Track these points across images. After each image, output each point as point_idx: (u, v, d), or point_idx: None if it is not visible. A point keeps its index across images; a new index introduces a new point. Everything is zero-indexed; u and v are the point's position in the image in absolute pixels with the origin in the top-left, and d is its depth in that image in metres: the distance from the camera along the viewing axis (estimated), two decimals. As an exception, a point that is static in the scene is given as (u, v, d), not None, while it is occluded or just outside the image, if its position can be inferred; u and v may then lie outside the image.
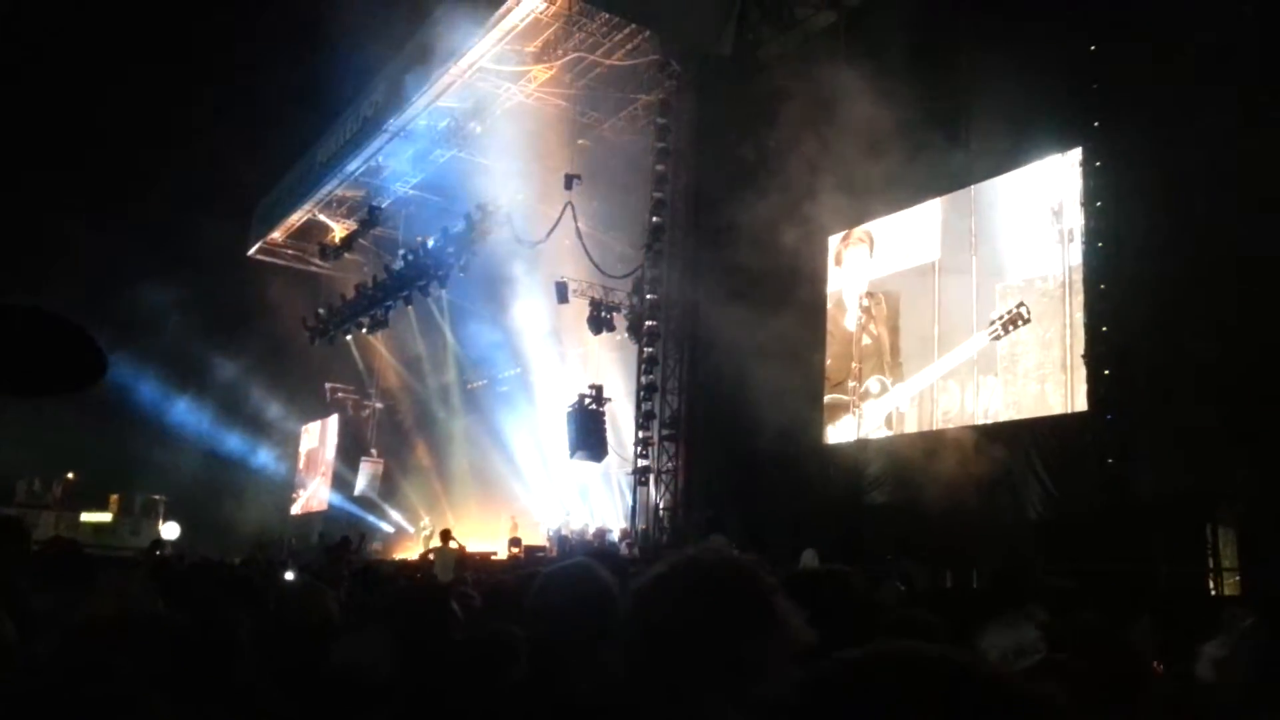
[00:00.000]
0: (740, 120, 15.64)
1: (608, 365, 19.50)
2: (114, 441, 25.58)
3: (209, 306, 25.91)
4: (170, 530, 25.17)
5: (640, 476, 16.79)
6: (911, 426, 13.07)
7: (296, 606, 3.82)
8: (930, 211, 13.32)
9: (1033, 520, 11.18)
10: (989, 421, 11.91)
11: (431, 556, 15.20)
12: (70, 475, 28.06)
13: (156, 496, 29.13)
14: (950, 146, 12.96)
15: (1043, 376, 11.36)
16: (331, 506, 27.06)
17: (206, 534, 24.03)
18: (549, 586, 2.52)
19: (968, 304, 12.37)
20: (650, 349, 17.12)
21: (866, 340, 14.01)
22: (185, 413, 27.01)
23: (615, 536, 17.86)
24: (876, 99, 12.72)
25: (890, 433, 13.41)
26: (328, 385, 28.62)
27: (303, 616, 3.65)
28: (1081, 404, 10.85)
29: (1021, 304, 11.61)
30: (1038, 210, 11.74)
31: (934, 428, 12.65)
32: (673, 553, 1.46)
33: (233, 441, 27.99)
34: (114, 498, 29.41)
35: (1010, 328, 11.67)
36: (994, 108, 12.42)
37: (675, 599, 1.36)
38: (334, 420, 28.72)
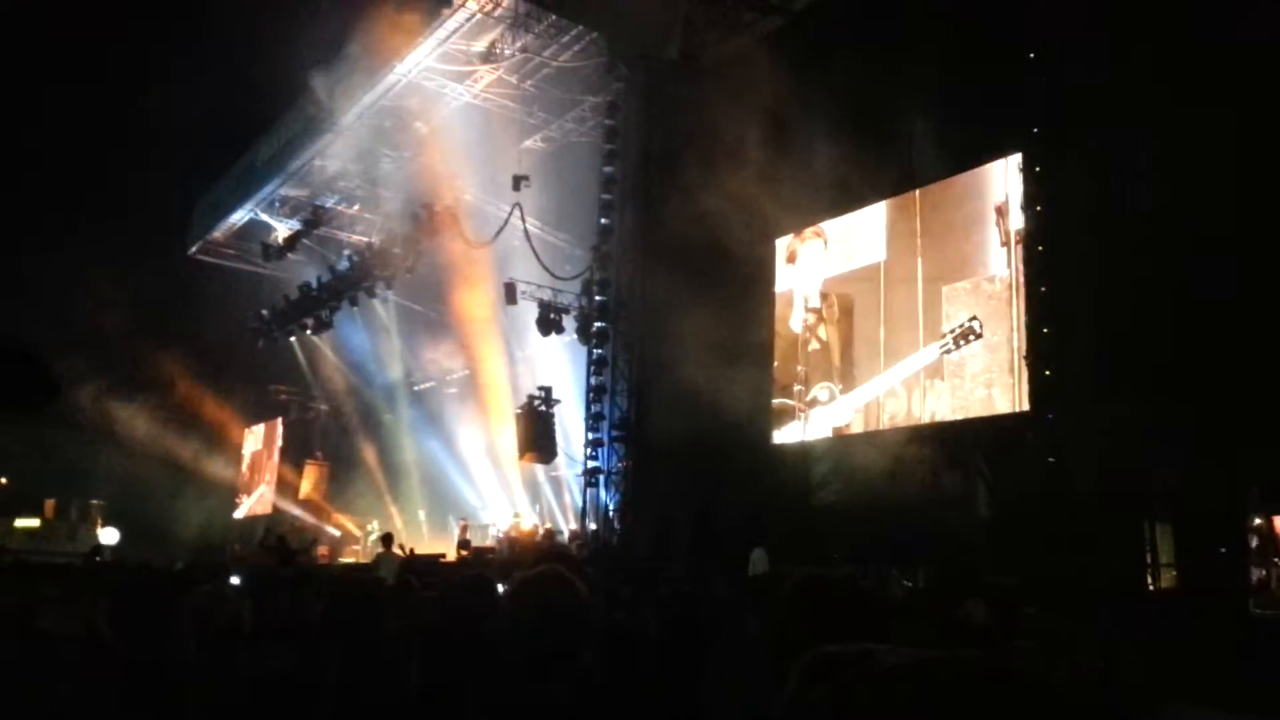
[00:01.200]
0: (688, 123, 15.70)
1: (557, 367, 19.44)
2: (48, 445, 24.86)
3: (148, 307, 25.25)
4: (109, 535, 24.54)
5: (590, 477, 16.77)
6: (858, 428, 13.23)
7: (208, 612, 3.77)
8: (875, 214, 13.49)
9: (979, 518, 11.39)
10: (935, 423, 12.10)
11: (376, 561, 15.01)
12: (1, 480, 27.24)
13: (94, 501, 28.38)
14: (894, 149, 13.16)
15: (990, 381, 11.56)
16: (277, 510, 26.58)
17: (147, 539, 23.43)
18: (523, 593, 2.50)
19: (914, 306, 12.55)
20: (599, 350, 17.10)
21: (814, 345, 14.13)
22: (123, 415, 26.32)
23: (565, 538, 17.82)
24: (822, 102, 12.88)
25: (840, 431, 13.56)
26: (271, 387, 28.11)
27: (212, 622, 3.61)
28: (1026, 405, 11.07)
29: (974, 318, 11.77)
30: (982, 212, 11.96)
31: (880, 429, 12.82)
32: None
33: (173, 444, 27.35)
34: (49, 503, 28.59)
35: (962, 342, 11.83)
36: (937, 111, 12.64)
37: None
38: (278, 423, 28.23)
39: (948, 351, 11.98)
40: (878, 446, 12.37)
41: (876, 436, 12.73)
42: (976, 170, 12.18)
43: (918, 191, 12.97)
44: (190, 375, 26.75)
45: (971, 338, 11.76)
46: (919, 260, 12.68)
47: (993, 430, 11.56)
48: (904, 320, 12.68)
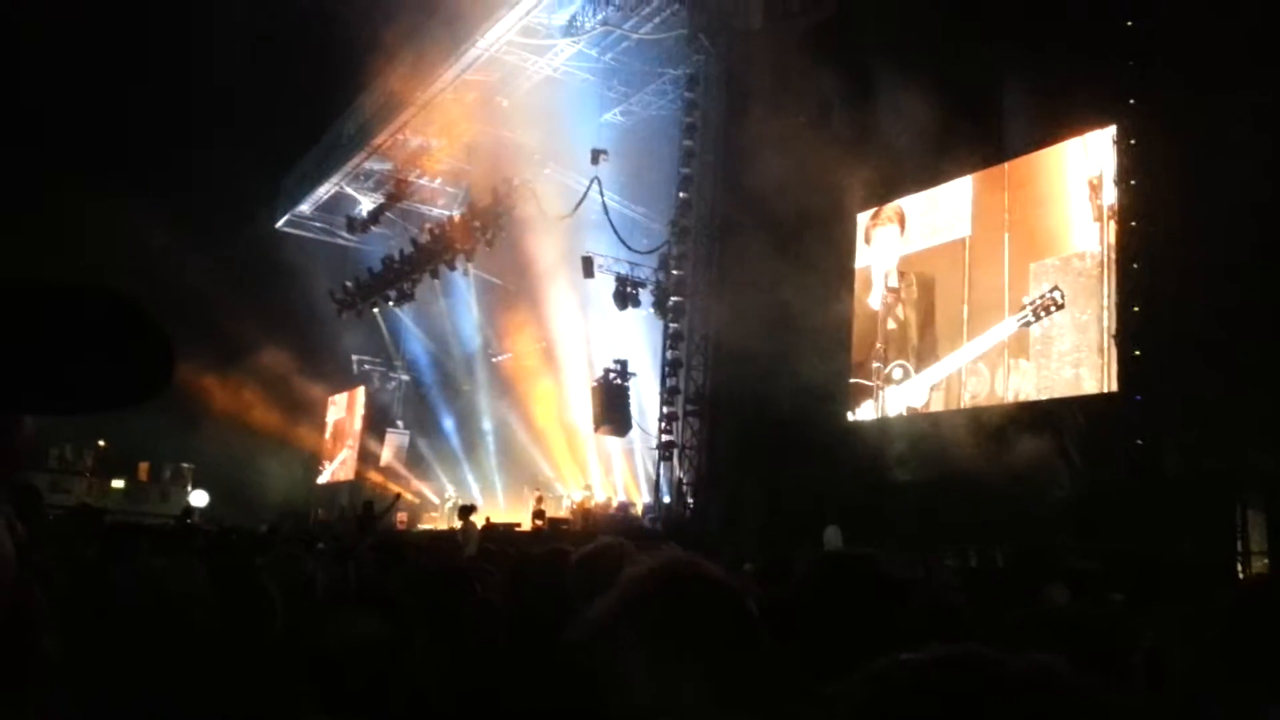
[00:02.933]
0: (769, 95, 15.51)
1: (633, 340, 19.51)
2: (144, 411, 25.90)
3: (237, 278, 26.10)
4: (199, 498, 25.54)
5: (664, 451, 16.83)
6: (938, 407, 13.02)
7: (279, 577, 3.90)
8: (962, 188, 13.18)
9: (1061, 500, 11.12)
10: (1018, 402, 11.84)
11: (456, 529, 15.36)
12: (101, 443, 28.51)
13: (185, 465, 29.58)
14: (984, 122, 12.81)
15: (1078, 361, 11.24)
16: (359, 476, 27.33)
17: (234, 502, 24.35)
18: (585, 566, 2.49)
19: (999, 284, 12.26)
20: (675, 325, 17.10)
21: (892, 324, 13.91)
22: (214, 382, 27.29)
23: (638, 511, 17.95)
24: (908, 73, 12.57)
25: (916, 411, 13.36)
26: (354, 357, 28.82)
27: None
28: (1114, 386, 10.76)
29: (1055, 288, 11.46)
30: (1074, 186, 11.59)
31: (961, 408, 12.60)
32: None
33: (261, 411, 28.28)
34: (144, 465, 29.89)
35: (1043, 314, 11.53)
36: (1029, 82, 12.23)
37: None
38: (361, 392, 28.94)
39: (1027, 324, 11.70)
40: (958, 425, 12.15)
41: (957, 415, 12.51)
42: (1068, 143, 11.80)
43: (1006, 165, 12.62)
44: (277, 344, 27.60)
45: (1053, 309, 11.45)
46: (1006, 236, 12.37)
47: (1079, 410, 11.26)
48: (989, 298, 12.39)
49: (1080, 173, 11.54)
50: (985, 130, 12.77)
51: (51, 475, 24.79)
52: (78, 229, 22.60)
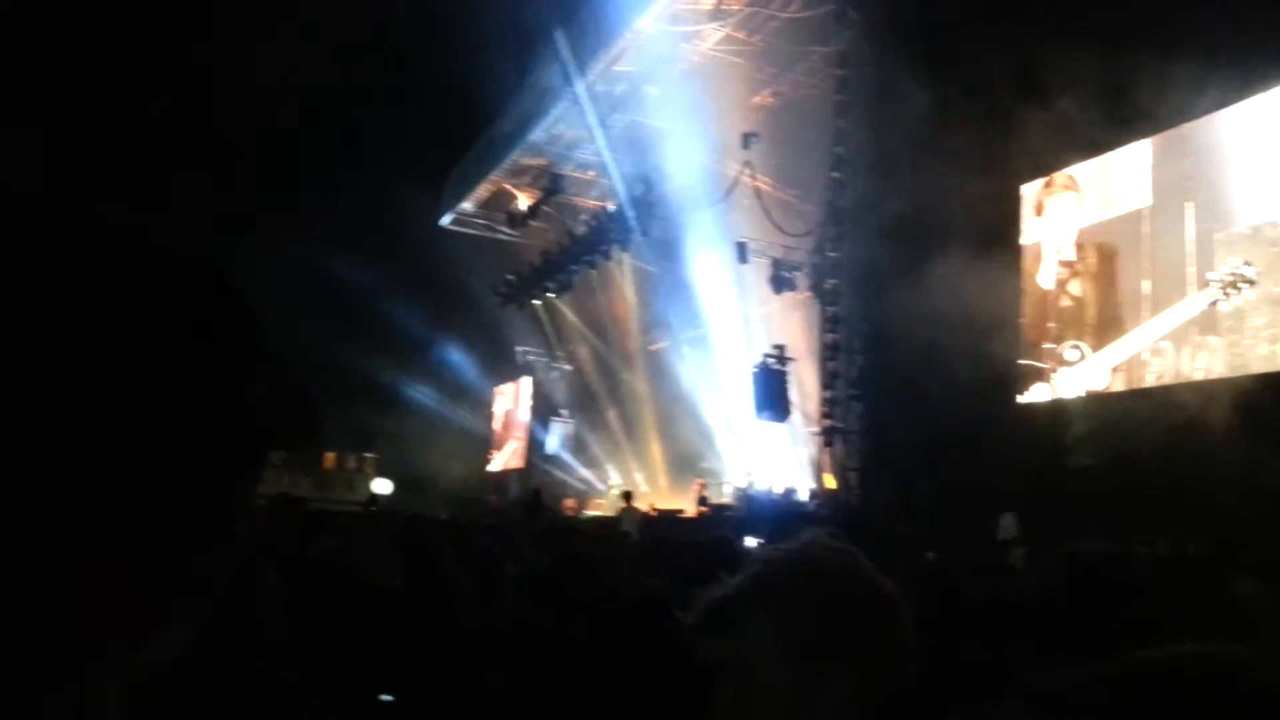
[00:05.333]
0: (923, 67, 15.00)
1: (791, 325, 19.34)
2: (326, 404, 27.58)
3: (408, 277, 27.40)
4: (383, 486, 27.00)
5: (826, 436, 16.64)
6: (1118, 388, 12.33)
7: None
8: (1139, 155, 12.38)
9: (1260, 486, 10.34)
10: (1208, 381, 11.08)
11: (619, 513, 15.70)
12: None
13: (367, 454, 31.34)
14: (1160, 80, 11.96)
15: (1274, 336, 10.41)
16: (527, 465, 28.27)
17: (413, 490, 25.63)
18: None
19: (1182, 257, 11.47)
20: (833, 307, 16.84)
21: (1066, 301, 13.23)
22: (389, 376, 28.77)
23: (803, 496, 17.81)
24: (1075, 32, 11.88)
25: (1095, 392, 12.69)
26: (518, 349, 29.77)
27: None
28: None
29: (1246, 263, 10.62)
30: (1266, 149, 10.71)
31: (1145, 388, 11.90)
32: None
33: (434, 403, 29.63)
34: (329, 455, 31.84)
35: (1231, 290, 10.72)
36: (1213, 34, 11.33)
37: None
38: (526, 382, 29.86)
39: (1214, 301, 10.89)
40: (1142, 406, 11.48)
41: (1141, 396, 11.81)
42: (1257, 99, 10.90)
43: (1188, 127, 11.77)
44: (446, 338, 28.82)
45: (1242, 285, 10.61)
46: (1189, 205, 11.55)
47: (1275, 390, 10.44)
48: (1171, 272, 11.61)
49: (1271, 133, 10.65)
50: (1164, 88, 11.93)
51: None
52: (249, 238, 24.09)
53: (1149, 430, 10.96)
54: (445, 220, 29.28)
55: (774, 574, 1.23)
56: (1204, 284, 11.06)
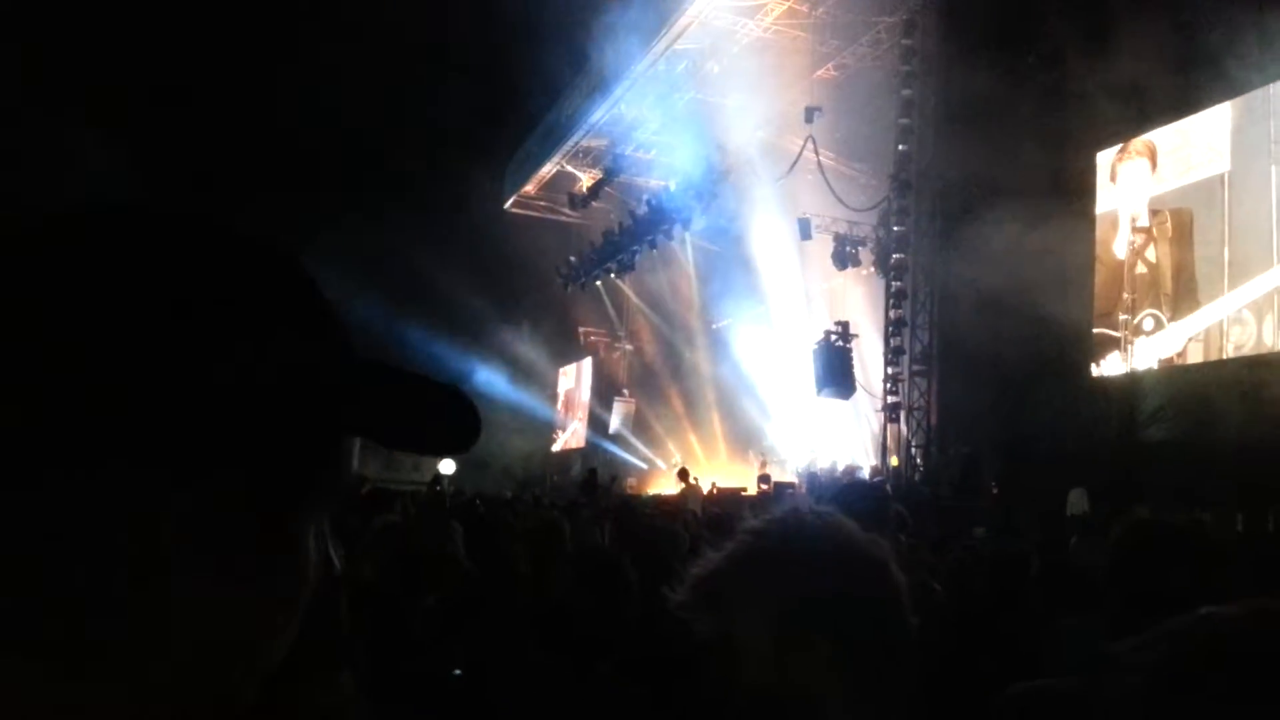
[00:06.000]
0: (992, 35, 14.63)
1: (854, 301, 19.10)
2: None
3: (473, 260, 27.70)
4: (447, 466, 27.40)
5: (890, 413, 16.42)
6: (1195, 359, 11.94)
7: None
8: (1218, 118, 11.94)
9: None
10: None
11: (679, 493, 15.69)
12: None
13: (432, 435, 31.77)
14: (1239, 40, 11.49)
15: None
16: (589, 444, 28.44)
17: (478, 469, 25.98)
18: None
19: (1265, 223, 11.03)
20: (898, 283, 16.57)
21: (1142, 269, 12.83)
22: (455, 359, 29.18)
23: (865, 474, 17.62)
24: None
25: (1170, 362, 12.31)
26: (581, 329, 29.91)
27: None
28: None
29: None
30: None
31: (1224, 359, 11.50)
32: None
33: (499, 384, 29.97)
34: (399, 436, 32.36)
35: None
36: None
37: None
38: (588, 362, 30.02)
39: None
40: (1221, 378, 11.10)
41: (1219, 367, 11.43)
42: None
43: (1270, 89, 11.30)
44: (511, 320, 29.09)
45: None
46: (1272, 169, 11.10)
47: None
48: (1252, 238, 11.19)
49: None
50: (1243, 49, 11.46)
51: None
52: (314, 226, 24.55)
53: (1227, 402, 10.60)
54: (508, 203, 29.50)
55: (758, 544, 1.21)
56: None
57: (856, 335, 17.76)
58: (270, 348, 0.50)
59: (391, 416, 0.53)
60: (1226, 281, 11.49)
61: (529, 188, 28.78)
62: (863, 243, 18.22)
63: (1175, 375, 12.20)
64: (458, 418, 0.55)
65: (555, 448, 31.39)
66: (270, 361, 0.49)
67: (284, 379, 0.49)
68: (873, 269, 18.01)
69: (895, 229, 16.68)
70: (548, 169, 27.54)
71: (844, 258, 18.41)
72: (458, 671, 2.93)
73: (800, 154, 18.09)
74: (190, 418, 0.46)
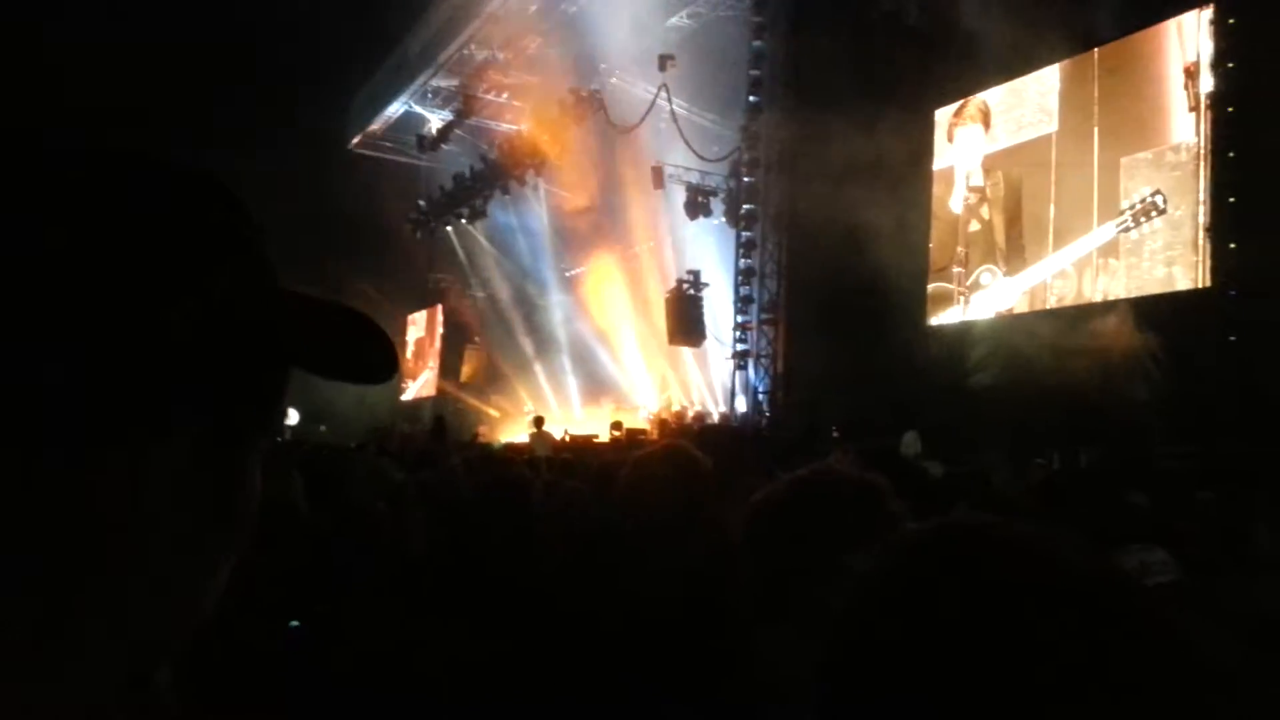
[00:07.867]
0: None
1: (706, 250, 19.36)
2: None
3: (315, 200, 26.49)
4: (289, 416, 26.43)
5: (739, 360, 16.83)
6: (1022, 309, 12.70)
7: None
8: (1047, 80, 12.59)
9: (1151, 402, 10.83)
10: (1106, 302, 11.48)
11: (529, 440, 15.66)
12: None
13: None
14: (1069, 4, 12.13)
15: (1171, 259, 10.79)
16: (441, 393, 27.97)
17: (322, 420, 25.16)
18: (645, 466, 2.55)
19: (1088, 181, 11.76)
20: (748, 233, 16.90)
21: (975, 226, 13.50)
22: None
23: (715, 420, 18.05)
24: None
25: (1003, 315, 13.05)
26: (430, 276, 29.21)
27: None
28: (1208, 282, 10.35)
29: (1157, 191, 10.92)
30: (1168, 75, 10.98)
31: (1045, 309, 12.28)
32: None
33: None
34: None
35: (1143, 219, 11.03)
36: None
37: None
38: (439, 310, 29.41)
39: (1126, 229, 11.22)
40: (1043, 328, 11.85)
41: (1042, 317, 12.19)
42: (1162, 26, 11.14)
43: (1095, 52, 11.99)
44: (357, 265, 28.08)
45: (1154, 214, 10.95)
46: (1095, 130, 11.82)
47: (1169, 307, 10.87)
48: (1077, 196, 11.91)
49: (1176, 59, 10.91)
50: (1072, 15, 12.11)
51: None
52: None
53: (1047, 351, 11.34)
54: (352, 143, 28.32)
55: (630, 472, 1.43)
56: (1113, 210, 11.37)
57: (708, 284, 18.05)
58: (228, 280, 0.48)
59: (328, 345, 0.52)
60: (1052, 237, 12.22)
61: (375, 127, 27.69)
62: (715, 193, 18.43)
63: (1000, 325, 12.95)
64: (382, 344, 0.54)
65: (405, 396, 30.73)
66: (230, 294, 0.47)
67: (242, 311, 0.47)
68: (724, 219, 18.27)
69: (745, 180, 16.94)
70: (394, 108, 26.53)
71: (695, 207, 18.60)
72: (295, 623, 2.81)
73: (654, 102, 18.07)
74: (158, 362, 0.43)
